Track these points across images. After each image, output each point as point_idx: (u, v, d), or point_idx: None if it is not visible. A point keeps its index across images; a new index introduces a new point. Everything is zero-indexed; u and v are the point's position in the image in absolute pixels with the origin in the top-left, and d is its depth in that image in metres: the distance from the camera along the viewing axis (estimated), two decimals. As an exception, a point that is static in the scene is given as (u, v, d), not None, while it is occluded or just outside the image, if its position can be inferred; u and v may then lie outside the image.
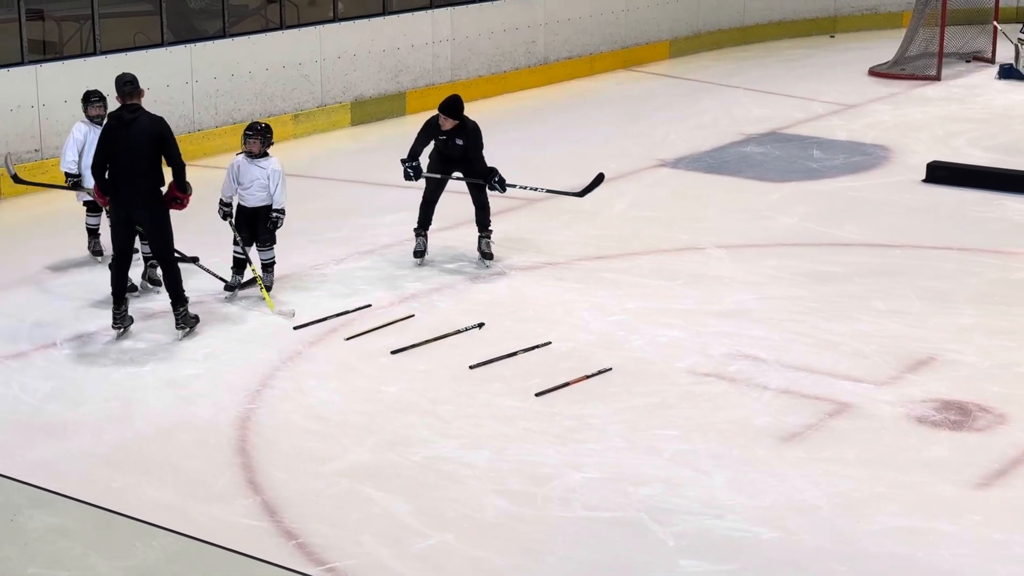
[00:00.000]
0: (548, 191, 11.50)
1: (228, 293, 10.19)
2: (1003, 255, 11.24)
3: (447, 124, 10.71)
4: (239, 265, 10.22)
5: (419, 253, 10.91)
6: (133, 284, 10.18)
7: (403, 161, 10.80)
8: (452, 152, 10.81)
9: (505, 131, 15.30)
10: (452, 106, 10.74)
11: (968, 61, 19.82)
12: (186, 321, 9.41)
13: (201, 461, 7.71)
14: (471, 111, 11.00)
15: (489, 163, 10.81)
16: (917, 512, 7.13)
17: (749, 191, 13.29)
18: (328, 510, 7.16)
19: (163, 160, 9.26)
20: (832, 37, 22.22)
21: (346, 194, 13.34)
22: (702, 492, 7.31)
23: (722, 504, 7.20)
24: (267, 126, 10.27)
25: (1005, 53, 19.39)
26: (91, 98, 10.62)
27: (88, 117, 10.57)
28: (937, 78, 18.61)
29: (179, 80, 14.28)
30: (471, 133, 10.76)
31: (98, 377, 8.87)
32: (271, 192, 10.10)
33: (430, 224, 10.96)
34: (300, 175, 13.59)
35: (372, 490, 7.35)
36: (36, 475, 7.37)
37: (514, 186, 10.94)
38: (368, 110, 16.24)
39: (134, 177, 9.14)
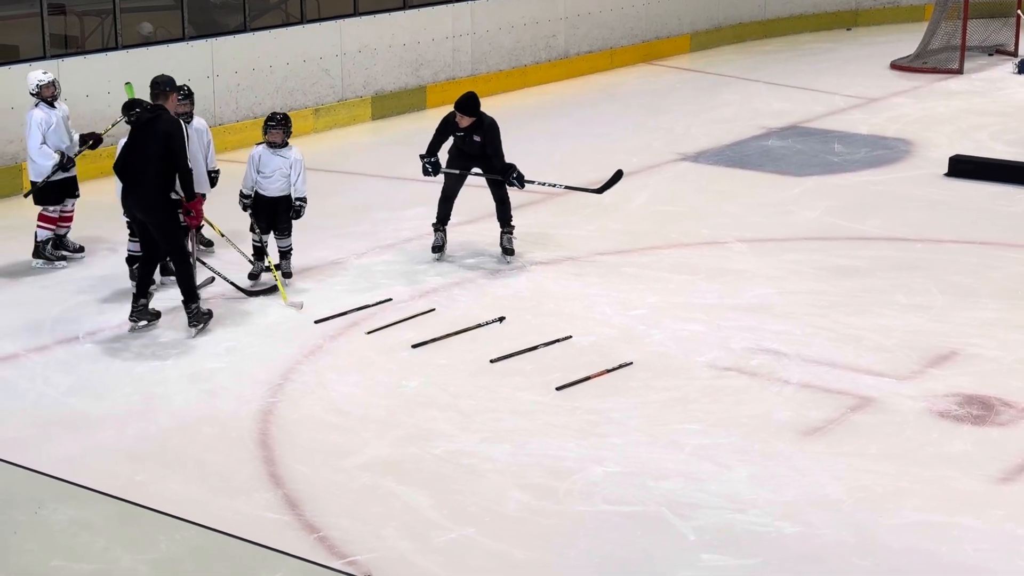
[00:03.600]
0: (567, 187, 11.48)
1: (251, 281, 10.28)
2: (1026, 249, 11.20)
3: (464, 122, 10.69)
4: (259, 253, 10.32)
5: (437, 248, 10.91)
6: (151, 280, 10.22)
7: (422, 156, 10.80)
8: (470, 149, 10.79)
9: (525, 125, 15.28)
10: (468, 104, 10.71)
11: (991, 54, 19.73)
12: (198, 318, 9.37)
13: (223, 455, 7.73)
14: (491, 105, 11.02)
15: (509, 158, 10.78)
16: (939, 507, 7.11)
17: (770, 185, 13.26)
18: (349, 504, 7.17)
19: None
20: (848, 30, 22.14)
21: (367, 188, 13.35)
22: (723, 486, 7.30)
23: (743, 498, 7.19)
24: (287, 116, 10.30)
25: (1028, 46, 19.31)
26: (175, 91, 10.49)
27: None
28: (959, 71, 18.53)
29: (200, 75, 14.30)
30: (488, 130, 10.73)
31: (120, 371, 8.90)
32: (292, 182, 10.16)
33: (448, 219, 10.96)
34: (321, 169, 13.61)
35: (393, 484, 7.36)
36: (59, 469, 7.40)
37: (532, 182, 10.93)
38: (388, 104, 16.24)
39: (141, 178, 9.12)
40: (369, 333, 9.46)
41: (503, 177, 10.75)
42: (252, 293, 10.02)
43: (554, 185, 11.37)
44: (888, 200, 12.69)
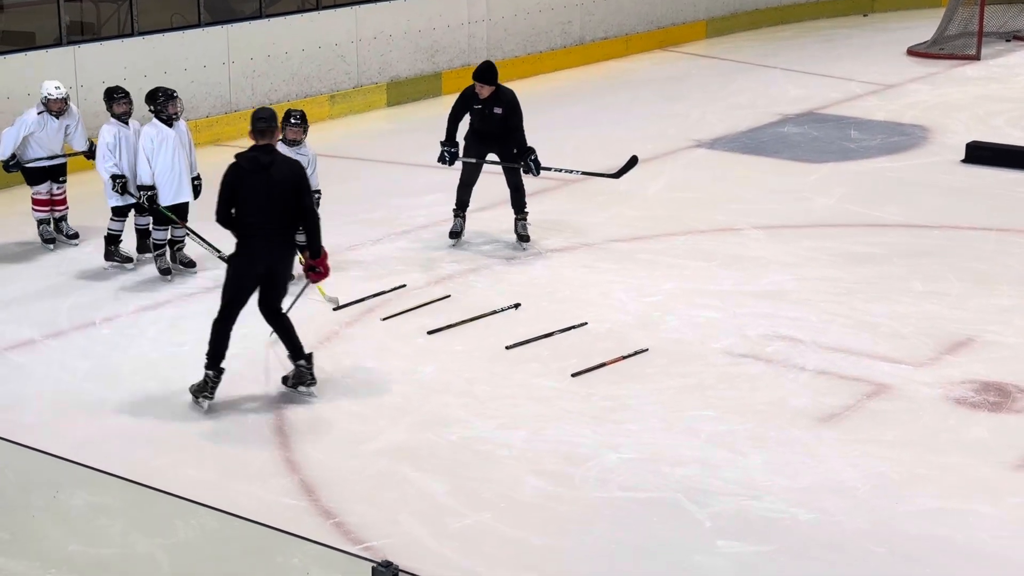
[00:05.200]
0: (583, 173, 11.46)
1: None
2: (1043, 236, 11.16)
3: (484, 92, 10.58)
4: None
5: (455, 234, 10.91)
6: (169, 267, 10.24)
7: (443, 143, 10.75)
8: (490, 123, 10.68)
9: (540, 112, 15.25)
10: (487, 72, 10.60)
11: (1008, 40, 19.65)
12: (308, 379, 8.26)
13: (240, 440, 7.76)
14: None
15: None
16: (956, 494, 7.10)
17: (786, 172, 13.23)
18: (365, 489, 7.19)
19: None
20: (865, 16, 22.06)
21: (382, 175, 13.35)
22: (739, 473, 7.30)
23: (759, 485, 7.18)
24: (304, 113, 10.17)
25: (1045, 32, 19.22)
26: (115, 94, 10.36)
27: (114, 115, 10.24)
28: (976, 57, 18.46)
29: (216, 61, 14.31)
30: (509, 102, 10.64)
31: (137, 357, 8.92)
32: (309, 176, 10.11)
33: (467, 206, 10.95)
34: (336, 156, 13.62)
35: (409, 470, 7.37)
36: (77, 453, 7.41)
37: (549, 168, 10.91)
38: (404, 91, 16.24)
39: (271, 228, 7.99)
40: (384, 319, 9.47)
41: (520, 161, 10.70)
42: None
43: (570, 171, 11.35)
44: (904, 187, 12.65)
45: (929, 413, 8.01)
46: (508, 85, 10.97)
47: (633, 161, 11.17)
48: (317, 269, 8.25)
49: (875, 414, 7.98)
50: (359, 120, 15.50)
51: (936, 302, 9.69)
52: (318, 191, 10.18)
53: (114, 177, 10.14)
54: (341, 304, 9.66)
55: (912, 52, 18.98)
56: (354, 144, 14.41)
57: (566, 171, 11.32)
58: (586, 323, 9.32)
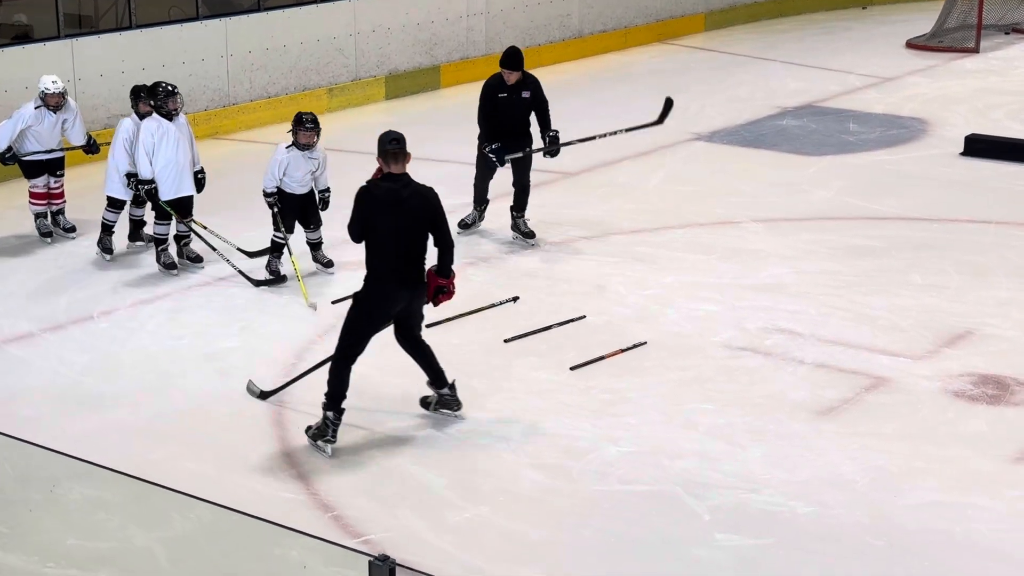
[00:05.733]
0: (626, 130, 11.22)
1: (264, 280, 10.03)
2: (1042, 229, 11.16)
3: (512, 78, 10.49)
4: (278, 249, 10.06)
5: (465, 225, 10.93)
6: (174, 262, 10.21)
7: (482, 146, 10.61)
8: (517, 109, 10.56)
9: (540, 105, 15.24)
10: (515, 57, 10.51)
11: (1007, 33, 19.62)
12: (453, 406, 7.89)
13: (238, 433, 7.75)
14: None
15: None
16: (954, 487, 7.10)
17: (785, 165, 13.22)
18: (364, 483, 7.19)
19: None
20: (864, 9, 22.03)
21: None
22: (738, 466, 7.30)
23: (758, 478, 7.18)
24: (316, 117, 10.04)
25: (1045, 25, 19.21)
26: (141, 92, 10.30)
27: (162, 113, 10.06)
28: (975, 50, 18.44)
29: (214, 54, 14.29)
30: (535, 83, 10.59)
31: (135, 350, 8.92)
32: (317, 176, 10.08)
33: (485, 199, 10.95)
34: (334, 149, 13.54)
35: (408, 463, 7.37)
36: (74, 447, 7.40)
37: (591, 138, 10.94)
38: (402, 84, 16.22)
39: (406, 265, 7.47)
40: (383, 313, 9.45)
41: (549, 145, 10.62)
42: (258, 283, 9.96)
43: (613, 133, 11.19)
44: (903, 179, 12.64)
45: (928, 406, 8.01)
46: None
47: (669, 103, 11.05)
48: (445, 289, 7.64)
49: (874, 407, 7.98)
50: (357, 113, 15.47)
51: (935, 295, 9.68)
52: (327, 188, 10.14)
53: (144, 181, 10.09)
54: (340, 298, 9.65)
55: (911, 45, 18.96)
56: (352, 137, 14.35)
57: (609, 134, 11.18)
58: (585, 316, 9.32)
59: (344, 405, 7.50)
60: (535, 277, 10.15)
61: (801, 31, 20.39)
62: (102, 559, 6.32)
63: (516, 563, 6.49)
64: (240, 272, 9.96)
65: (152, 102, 10.09)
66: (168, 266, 10.17)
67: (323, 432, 7.48)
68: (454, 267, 7.66)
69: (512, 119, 10.62)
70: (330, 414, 7.50)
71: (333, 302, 9.60)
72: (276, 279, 9.94)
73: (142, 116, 10.20)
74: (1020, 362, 8.54)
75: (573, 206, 11.77)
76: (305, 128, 9.84)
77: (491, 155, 10.57)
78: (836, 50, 18.85)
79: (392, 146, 7.46)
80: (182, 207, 10.16)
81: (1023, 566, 6.45)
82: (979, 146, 13.34)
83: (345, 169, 12.88)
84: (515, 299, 9.60)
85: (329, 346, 8.88)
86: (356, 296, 7.56)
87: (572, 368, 8.51)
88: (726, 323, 9.19)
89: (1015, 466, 7.33)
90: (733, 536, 6.63)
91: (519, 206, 10.85)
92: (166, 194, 10.05)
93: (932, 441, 7.59)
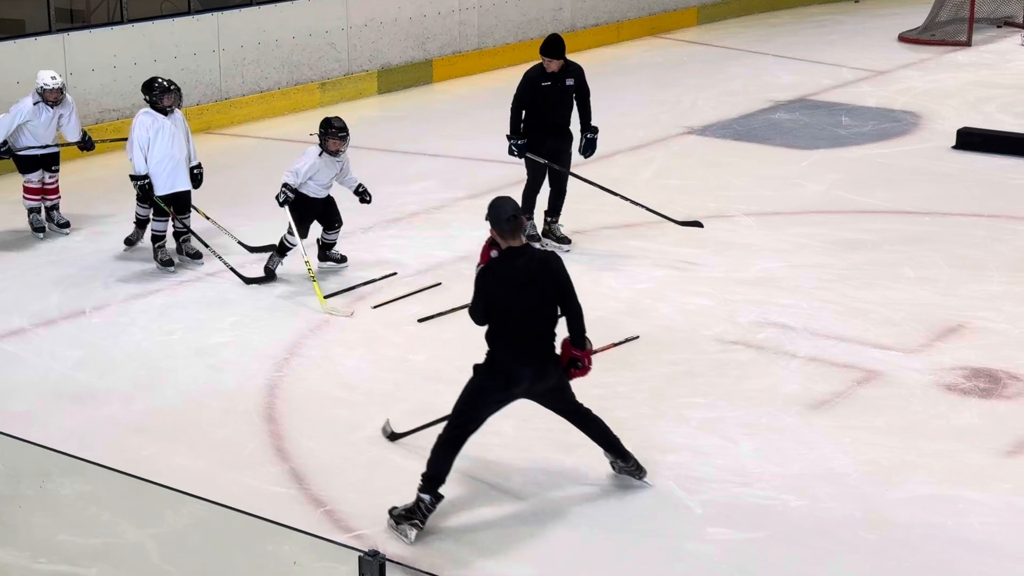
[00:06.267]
0: (648, 209, 10.67)
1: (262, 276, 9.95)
2: (1034, 222, 11.17)
3: (554, 65, 10.20)
4: (284, 252, 9.89)
5: (535, 237, 10.55)
6: (171, 259, 10.19)
7: (508, 136, 10.38)
8: (562, 98, 10.28)
9: (532, 99, 15.23)
10: (556, 44, 10.21)
11: (999, 26, 19.64)
12: (638, 474, 7.08)
13: (229, 429, 7.74)
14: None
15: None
16: (946, 480, 7.11)
17: (778, 158, 13.22)
18: (356, 478, 7.19)
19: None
20: (857, 2, 22.04)
21: (373, 162, 13.31)
22: (730, 460, 7.30)
23: (750, 472, 7.18)
24: (344, 121, 9.85)
25: (1037, 18, 19.23)
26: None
27: (157, 108, 10.01)
28: (968, 44, 18.45)
29: (206, 49, 14.27)
30: (578, 70, 10.34)
31: (127, 345, 8.91)
32: (344, 178, 9.96)
33: (533, 209, 10.60)
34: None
35: (399, 458, 7.37)
36: (66, 442, 7.40)
37: (617, 195, 10.57)
38: (395, 78, 16.20)
39: (532, 341, 6.71)
40: (375, 307, 9.46)
41: (586, 148, 10.41)
42: (249, 280, 9.93)
43: (635, 202, 10.79)
44: (896, 173, 12.65)
45: (920, 399, 8.01)
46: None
47: (698, 224, 10.59)
48: (580, 364, 6.80)
49: (866, 401, 7.99)
50: (350, 108, 15.44)
51: (927, 288, 9.69)
52: (361, 183, 10.02)
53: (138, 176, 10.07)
54: (331, 292, 9.64)
55: (903, 38, 18.97)
56: (345, 132, 14.36)
57: (630, 201, 10.75)
58: (577, 310, 9.30)
59: (443, 491, 6.68)
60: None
61: (794, 25, 20.40)
62: (94, 555, 6.32)
63: (507, 558, 6.49)
64: (232, 269, 9.95)
65: (148, 97, 10.08)
66: (165, 263, 10.15)
67: (411, 515, 6.64)
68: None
69: (555, 110, 10.32)
70: (426, 498, 6.64)
71: (324, 297, 9.60)
72: (268, 277, 9.92)
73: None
74: (1012, 355, 8.55)
75: (565, 199, 11.74)
76: (337, 136, 9.67)
77: (513, 147, 10.33)
78: (829, 44, 18.86)
79: (512, 222, 6.63)
80: (179, 202, 10.14)
81: (1015, 559, 6.46)
82: (971, 139, 13.35)
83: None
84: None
85: (321, 340, 8.90)
86: (475, 368, 6.83)
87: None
88: (718, 317, 9.20)
89: (1007, 459, 7.34)
90: (725, 530, 6.64)
91: (554, 210, 10.62)
92: (161, 189, 10.03)
93: (924, 434, 7.60)
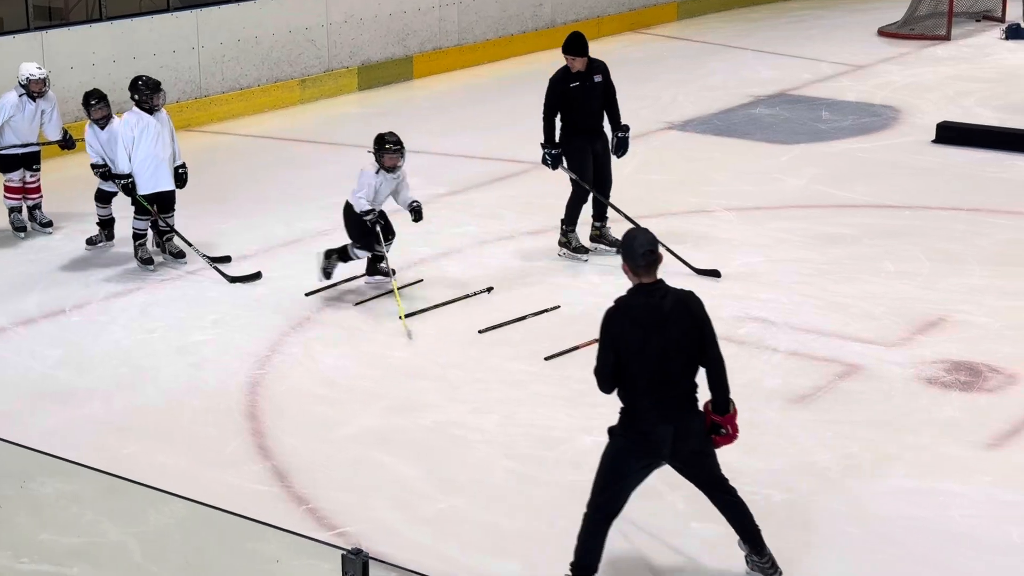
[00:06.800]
0: (672, 253, 9.77)
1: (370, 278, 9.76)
2: (1013, 215, 11.19)
3: (579, 64, 9.88)
4: (346, 259, 9.63)
5: (583, 249, 10.28)
6: (151, 257, 10.16)
7: (542, 145, 10.07)
8: (592, 96, 9.98)
9: (512, 95, 15.24)
10: (579, 41, 9.87)
11: (978, 20, 19.70)
12: (773, 570, 6.24)
13: (211, 427, 7.72)
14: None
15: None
16: (928, 473, 7.13)
17: (758, 153, 13.24)
18: (338, 475, 7.18)
19: None
20: None
21: (354, 159, 13.18)
22: (712, 455, 7.30)
23: (732, 467, 7.14)
24: (398, 136, 9.54)
25: (1015, 12, 19.28)
26: (90, 100, 10.19)
27: (93, 120, 10.16)
28: (947, 38, 18.50)
29: (185, 46, 14.23)
30: (603, 66, 10.03)
31: (108, 344, 8.88)
32: (400, 193, 9.63)
33: (577, 221, 10.28)
34: (307, 140, 13.59)
35: (382, 455, 7.36)
36: (47, 442, 7.38)
37: (631, 221, 9.94)
38: (375, 75, 16.18)
39: (671, 396, 5.95)
40: (357, 304, 9.44)
41: (618, 147, 10.14)
42: (233, 279, 9.89)
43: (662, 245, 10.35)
44: (875, 167, 12.68)
45: (900, 393, 8.04)
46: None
47: (715, 274, 9.96)
48: (724, 430, 6.05)
49: (847, 394, 8.01)
50: (330, 104, 15.44)
51: (907, 282, 9.72)
52: (415, 200, 9.64)
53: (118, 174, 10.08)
54: (313, 289, 9.63)
55: (883, 32, 19.01)
56: (325, 129, 14.36)
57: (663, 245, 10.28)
58: (559, 306, 9.32)
59: None
60: (509, 267, 10.14)
61: (774, 19, 20.43)
62: (75, 554, 6.30)
63: (491, 554, 6.49)
64: (215, 268, 9.93)
65: (134, 96, 10.05)
66: (145, 261, 10.12)
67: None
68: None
69: (586, 109, 10.01)
70: None
71: (307, 294, 9.59)
72: (252, 276, 9.89)
73: (96, 122, 10.19)
74: (992, 348, 8.58)
75: (545, 195, 11.74)
76: (392, 151, 9.36)
77: (547, 156, 10.00)
78: (808, 38, 18.89)
79: (648, 257, 5.90)
80: (162, 202, 10.10)
81: (995, 551, 6.48)
82: (950, 133, 13.39)
83: (318, 160, 12.90)
84: (489, 290, 9.59)
85: (303, 337, 8.88)
86: (610, 432, 6.12)
87: (547, 358, 8.51)
88: (700, 312, 9.19)
89: (988, 452, 7.36)
90: (708, 525, 6.63)
91: (599, 214, 10.37)
92: (143, 188, 10.00)
93: (905, 428, 7.62)
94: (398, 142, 9.37)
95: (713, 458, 6.09)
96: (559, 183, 11.96)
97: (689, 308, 5.93)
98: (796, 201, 11.68)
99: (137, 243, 10.15)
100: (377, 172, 9.41)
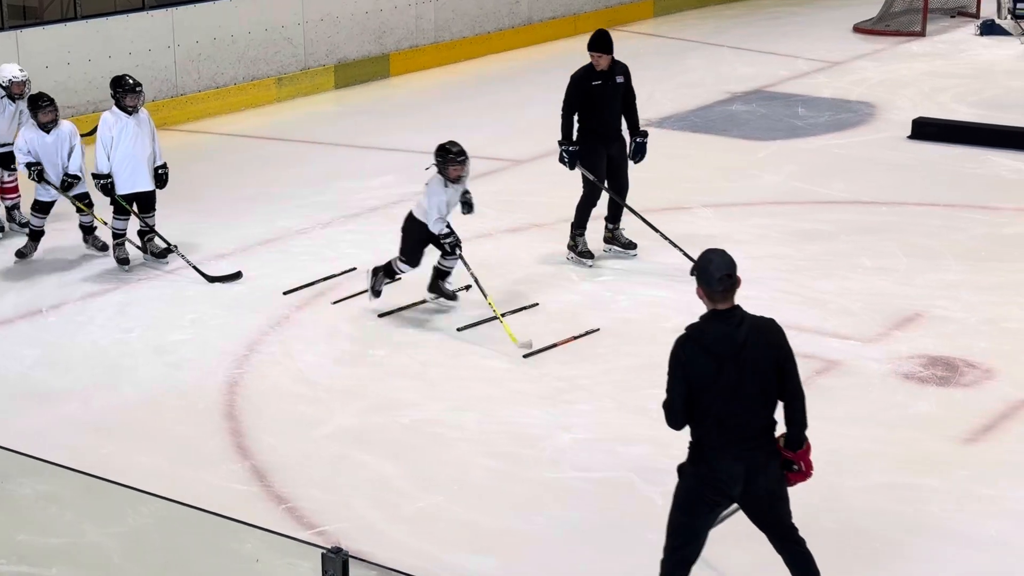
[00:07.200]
0: (671, 243, 9.96)
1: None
2: (989, 211, 11.24)
3: (604, 62, 9.72)
4: (392, 274, 9.29)
5: (588, 255, 10.07)
6: (128, 257, 10.11)
7: (559, 143, 9.92)
8: (614, 96, 9.81)
9: (490, 92, 15.25)
10: (605, 38, 9.71)
11: (953, 16, 19.77)
12: None
13: (190, 427, 7.71)
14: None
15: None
16: (905, 468, 7.16)
17: (735, 150, 13.27)
18: (317, 474, 7.17)
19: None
20: None
21: (331, 158, 13.28)
22: (691, 451, 7.31)
23: (711, 463, 7.19)
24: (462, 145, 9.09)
25: (989, 8, 19.35)
26: (40, 102, 10.09)
27: (39, 124, 10.05)
28: (922, 34, 18.57)
29: (161, 44, 14.18)
30: (625, 67, 9.92)
31: (85, 344, 8.85)
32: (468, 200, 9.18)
33: (587, 224, 10.13)
34: (284, 139, 13.57)
35: (361, 454, 7.35)
36: (24, 442, 7.35)
37: (649, 226, 9.98)
38: (352, 73, 16.15)
39: (745, 431, 5.53)
40: (335, 303, 9.43)
41: (635, 152, 10.02)
42: (213, 279, 9.86)
43: (664, 236, 10.12)
44: (852, 163, 12.72)
45: (878, 388, 8.07)
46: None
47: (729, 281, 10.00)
48: (797, 467, 5.67)
49: (825, 390, 8.02)
50: (307, 103, 15.40)
51: (884, 278, 9.75)
52: (468, 191, 9.12)
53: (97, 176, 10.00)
54: (291, 288, 9.62)
55: (858, 29, 19.07)
56: (302, 127, 14.33)
57: (660, 233, 10.12)
58: (537, 304, 9.32)
59: None
60: (487, 265, 10.12)
61: (750, 16, 20.46)
62: (54, 555, 6.28)
63: (470, 552, 6.49)
64: (194, 267, 9.90)
65: (113, 95, 10.00)
66: (121, 261, 10.09)
67: None
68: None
69: (608, 109, 9.85)
70: None
71: (284, 293, 9.57)
72: (232, 276, 9.86)
73: (42, 126, 10.10)
74: (969, 343, 8.62)
75: (524, 193, 11.77)
76: (456, 161, 8.90)
77: (564, 154, 9.80)
78: (784, 35, 18.93)
79: (725, 282, 5.50)
80: (141, 202, 10.06)
81: (974, 546, 6.51)
82: (926, 129, 13.44)
83: (295, 159, 12.88)
84: (467, 287, 9.58)
85: (281, 336, 8.86)
86: (679, 470, 5.76)
87: (525, 356, 8.51)
88: (677, 309, 9.19)
89: (965, 447, 7.39)
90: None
91: (614, 217, 10.26)
92: (122, 188, 9.96)
93: (883, 423, 7.65)
94: (462, 151, 8.92)
95: (786, 503, 5.69)
96: (539, 180, 11.95)
97: (768, 337, 5.54)
98: (773, 197, 11.71)
99: (116, 242, 10.11)
100: (446, 186, 8.96)
